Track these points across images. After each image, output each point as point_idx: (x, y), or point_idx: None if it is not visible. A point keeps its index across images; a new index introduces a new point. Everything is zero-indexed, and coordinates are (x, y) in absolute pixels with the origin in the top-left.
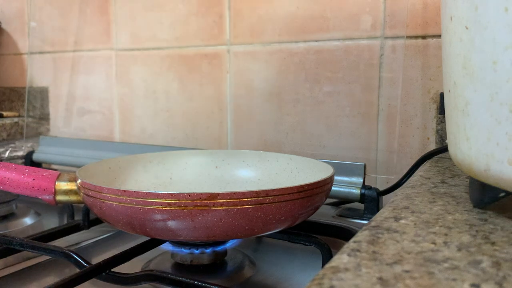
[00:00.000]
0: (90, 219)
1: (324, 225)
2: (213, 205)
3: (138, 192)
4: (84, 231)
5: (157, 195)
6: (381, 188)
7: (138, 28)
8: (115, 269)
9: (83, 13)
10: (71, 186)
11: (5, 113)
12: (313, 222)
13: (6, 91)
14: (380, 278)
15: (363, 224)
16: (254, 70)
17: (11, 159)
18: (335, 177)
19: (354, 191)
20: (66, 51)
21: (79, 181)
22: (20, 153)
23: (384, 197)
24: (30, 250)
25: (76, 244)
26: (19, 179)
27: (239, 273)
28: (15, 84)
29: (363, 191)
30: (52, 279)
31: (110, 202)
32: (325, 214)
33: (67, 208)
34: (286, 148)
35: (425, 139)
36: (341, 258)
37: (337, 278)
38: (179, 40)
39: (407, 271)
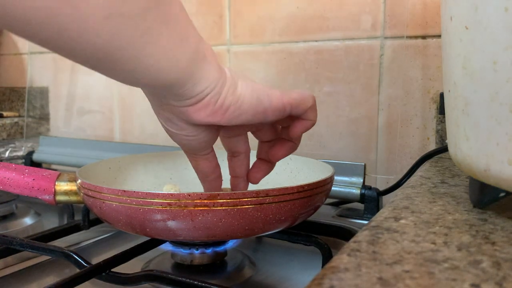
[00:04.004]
0: (90, 219)
1: (324, 225)
2: (213, 205)
3: (138, 192)
4: (84, 231)
5: (157, 195)
6: (381, 188)
7: None
8: (115, 269)
9: None
10: (71, 186)
11: (5, 113)
12: (313, 222)
13: (6, 91)
14: (380, 278)
15: (363, 224)
16: (254, 70)
17: (11, 159)
18: (335, 177)
19: (354, 191)
20: None
21: (79, 181)
22: (20, 153)
23: (384, 197)
24: (30, 250)
25: (76, 244)
26: (19, 179)
27: (239, 273)
28: (15, 84)
29: (363, 191)
30: (52, 279)
31: (110, 202)
32: (325, 214)
33: (67, 208)
34: None
35: (425, 139)
36: (341, 258)
37: (337, 278)
38: None
39: (407, 271)
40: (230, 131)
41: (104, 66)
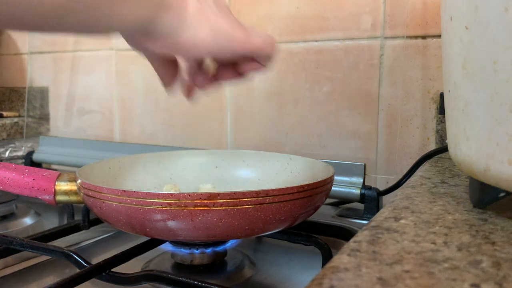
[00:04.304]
0: (90, 219)
1: (324, 225)
2: (213, 205)
3: (138, 192)
4: (84, 231)
5: (157, 195)
6: (381, 188)
7: None
8: (115, 269)
9: None
10: (71, 186)
11: (5, 113)
12: (313, 222)
13: (6, 91)
14: (380, 278)
15: (363, 224)
16: None
17: (11, 159)
18: (335, 177)
19: (354, 191)
20: (66, 51)
21: (79, 181)
22: (20, 153)
23: (384, 197)
24: (30, 250)
25: (76, 244)
26: (19, 179)
27: (239, 273)
28: (15, 84)
29: (363, 191)
30: (52, 279)
31: (110, 202)
32: (325, 214)
33: (67, 208)
34: (286, 148)
35: (425, 139)
36: (341, 258)
37: (337, 278)
38: None
39: (407, 271)
40: None
41: (62, 22)
